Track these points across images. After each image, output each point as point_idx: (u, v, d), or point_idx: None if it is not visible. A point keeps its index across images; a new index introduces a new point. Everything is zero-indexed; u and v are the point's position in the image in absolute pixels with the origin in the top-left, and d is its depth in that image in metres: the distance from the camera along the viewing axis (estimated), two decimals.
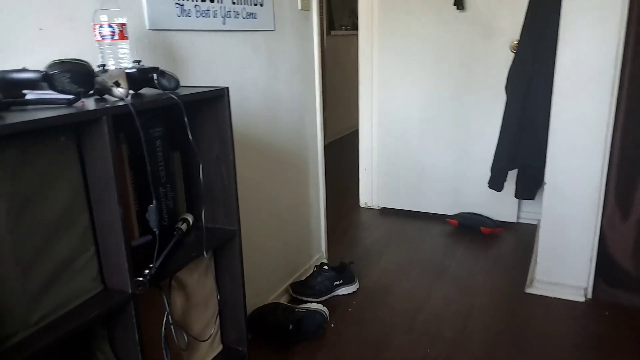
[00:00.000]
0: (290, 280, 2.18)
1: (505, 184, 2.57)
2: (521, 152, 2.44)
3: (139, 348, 0.99)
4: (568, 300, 2.09)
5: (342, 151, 4.86)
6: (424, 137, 3.00)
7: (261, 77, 1.82)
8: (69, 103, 0.87)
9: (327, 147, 4.74)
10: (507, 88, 2.47)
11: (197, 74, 1.51)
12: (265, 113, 1.87)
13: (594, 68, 1.88)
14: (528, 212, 2.92)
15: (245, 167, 1.80)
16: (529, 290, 2.17)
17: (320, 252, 2.44)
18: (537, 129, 2.33)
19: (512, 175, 2.57)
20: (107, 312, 0.92)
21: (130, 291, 0.96)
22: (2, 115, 0.77)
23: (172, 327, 1.16)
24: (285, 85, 1.99)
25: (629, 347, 1.78)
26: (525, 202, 2.90)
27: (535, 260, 2.24)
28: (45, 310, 0.86)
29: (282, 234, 2.08)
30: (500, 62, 2.70)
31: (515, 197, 2.61)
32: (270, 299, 2.04)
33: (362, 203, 3.30)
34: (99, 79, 0.92)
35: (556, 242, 2.11)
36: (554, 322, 1.94)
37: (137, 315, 0.98)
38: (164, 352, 1.13)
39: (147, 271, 0.99)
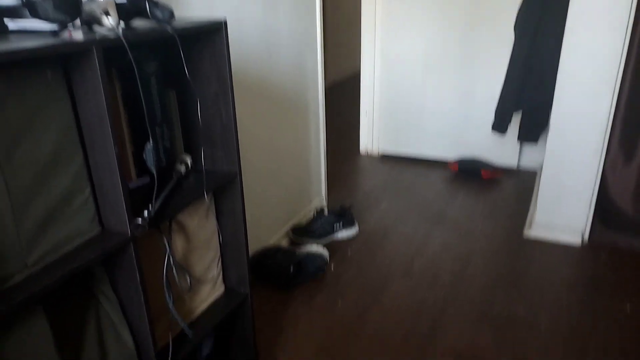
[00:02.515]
0: (290, 224, 2.18)
1: (508, 129, 2.52)
2: (527, 93, 2.38)
3: (141, 289, 0.98)
4: (566, 243, 2.11)
5: (343, 97, 4.76)
6: (427, 79, 2.92)
7: (259, 10, 1.73)
8: (55, 33, 0.81)
9: (327, 92, 4.65)
10: (516, 27, 2.37)
11: (193, 5, 1.42)
12: (263, 50, 1.79)
13: (609, 2, 1.79)
14: (529, 159, 2.89)
15: (243, 108, 1.74)
16: (527, 234, 2.17)
17: (320, 196, 2.42)
18: (544, 70, 2.26)
19: (515, 120, 2.52)
20: (106, 253, 0.90)
21: (129, 233, 0.93)
22: None
23: (173, 268, 1.15)
24: (285, 21, 1.89)
25: (625, 288, 1.80)
26: (526, 149, 2.87)
27: (535, 205, 2.23)
28: (42, 252, 0.84)
29: (281, 177, 2.05)
30: (509, 0, 2.58)
31: (518, 139, 2.57)
32: (271, 242, 2.04)
33: (362, 149, 3.26)
34: (86, 7, 0.85)
35: (557, 185, 2.10)
36: (551, 265, 1.95)
37: (137, 257, 0.96)
38: (166, 293, 1.12)
39: (146, 213, 0.96)
